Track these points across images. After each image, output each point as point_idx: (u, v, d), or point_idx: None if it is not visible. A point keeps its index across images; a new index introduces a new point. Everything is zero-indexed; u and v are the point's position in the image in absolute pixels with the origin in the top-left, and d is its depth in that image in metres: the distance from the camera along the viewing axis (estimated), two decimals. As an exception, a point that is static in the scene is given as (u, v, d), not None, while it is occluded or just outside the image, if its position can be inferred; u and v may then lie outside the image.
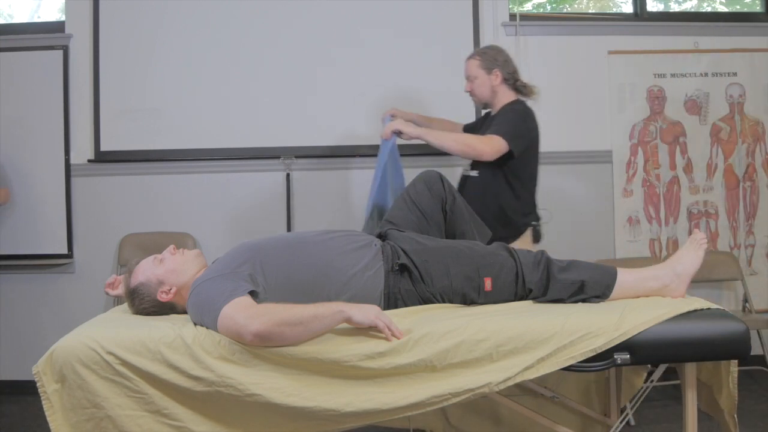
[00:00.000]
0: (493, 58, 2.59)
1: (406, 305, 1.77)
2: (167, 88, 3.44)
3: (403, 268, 1.77)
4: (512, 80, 2.60)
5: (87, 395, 1.54)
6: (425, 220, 2.06)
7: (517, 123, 2.48)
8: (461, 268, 1.78)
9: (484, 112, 2.85)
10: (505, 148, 2.40)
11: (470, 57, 2.65)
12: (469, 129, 2.81)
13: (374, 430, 1.88)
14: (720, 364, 1.72)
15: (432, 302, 1.78)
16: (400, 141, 2.50)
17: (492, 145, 2.39)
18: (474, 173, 2.58)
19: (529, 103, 2.64)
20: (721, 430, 1.81)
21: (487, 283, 1.78)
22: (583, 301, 1.77)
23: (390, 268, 1.77)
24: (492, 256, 1.82)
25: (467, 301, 1.79)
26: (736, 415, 1.74)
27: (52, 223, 3.42)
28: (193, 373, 1.53)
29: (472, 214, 2.19)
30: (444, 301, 1.79)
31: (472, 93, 2.66)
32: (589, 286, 1.76)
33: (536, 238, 2.59)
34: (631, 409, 1.94)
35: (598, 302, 1.76)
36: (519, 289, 1.79)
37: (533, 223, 2.58)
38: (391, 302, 1.76)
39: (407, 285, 1.77)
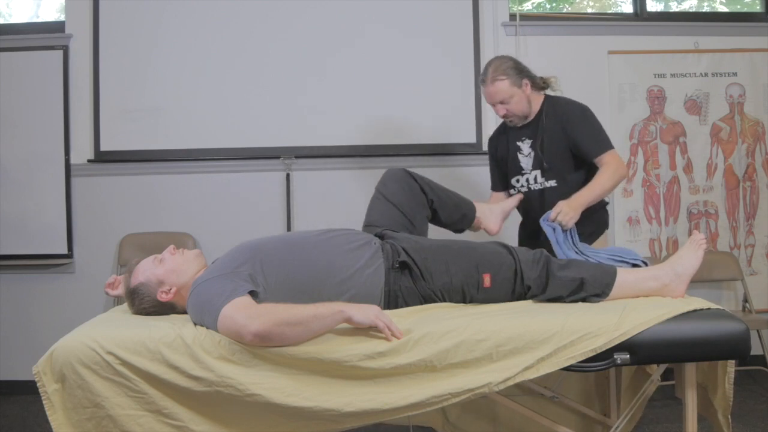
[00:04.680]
0: (517, 71, 2.43)
1: (406, 303, 1.78)
2: (167, 88, 3.44)
3: (403, 266, 1.78)
4: (535, 82, 2.48)
5: (87, 395, 1.54)
6: (408, 221, 2.09)
7: (597, 125, 2.42)
8: (460, 265, 1.79)
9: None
10: (618, 154, 2.41)
11: (494, 81, 2.41)
12: (500, 159, 2.62)
13: (374, 428, 1.88)
14: (716, 364, 1.72)
15: (432, 299, 1.78)
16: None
17: (620, 164, 2.38)
18: (552, 183, 2.46)
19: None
20: (711, 429, 1.81)
21: (486, 280, 1.78)
22: (583, 299, 1.77)
23: (391, 265, 1.78)
24: (490, 254, 1.83)
25: (466, 297, 1.80)
26: (729, 416, 1.74)
27: (52, 223, 3.42)
28: (193, 373, 1.53)
29: (447, 193, 2.23)
30: (444, 298, 1.79)
31: (509, 115, 2.45)
32: (589, 283, 1.77)
33: (607, 224, 2.58)
34: (633, 408, 1.94)
35: (598, 301, 1.77)
36: (518, 286, 1.79)
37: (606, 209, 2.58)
38: (391, 300, 1.77)
39: (408, 282, 1.78)
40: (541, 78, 2.50)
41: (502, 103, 2.43)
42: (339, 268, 1.74)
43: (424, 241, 1.90)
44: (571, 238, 2.11)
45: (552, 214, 2.16)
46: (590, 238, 2.35)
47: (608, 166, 2.34)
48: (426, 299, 1.78)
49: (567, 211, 2.16)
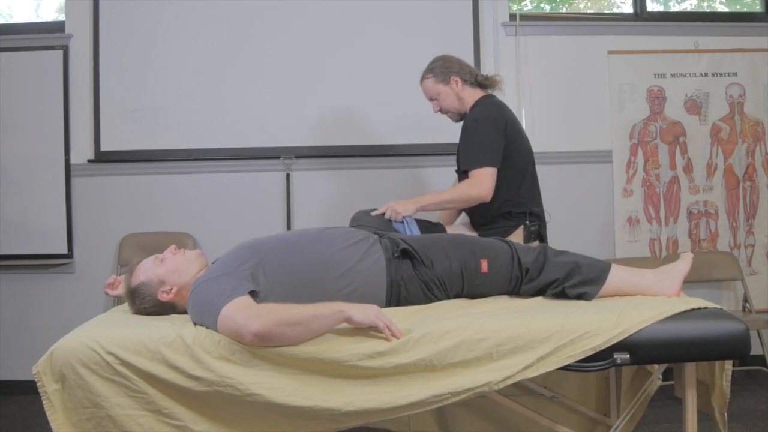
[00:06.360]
0: (444, 68, 2.47)
1: (408, 291, 1.79)
2: (167, 88, 3.44)
3: (404, 254, 1.80)
4: (472, 78, 2.49)
5: (87, 395, 1.54)
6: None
7: (479, 139, 2.35)
8: (458, 251, 1.83)
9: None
10: (491, 174, 2.30)
11: (422, 80, 2.51)
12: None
13: None
14: (715, 362, 1.73)
15: (433, 286, 1.80)
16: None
17: (481, 185, 2.30)
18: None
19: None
20: (711, 428, 1.82)
21: (484, 265, 1.81)
22: (582, 291, 1.78)
23: (391, 255, 1.80)
24: (487, 242, 1.90)
25: (465, 284, 1.82)
26: (726, 414, 1.75)
27: (52, 223, 3.42)
28: (193, 373, 1.53)
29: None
30: (444, 285, 1.81)
31: (442, 111, 2.53)
32: (584, 267, 1.79)
33: (528, 238, 2.40)
34: (633, 407, 1.94)
35: (596, 291, 1.78)
36: (515, 270, 1.82)
37: (526, 223, 2.41)
38: (393, 290, 1.78)
39: (409, 270, 1.80)
40: (485, 76, 2.51)
41: (432, 99, 2.50)
42: (339, 262, 1.76)
43: (421, 236, 1.99)
44: (409, 230, 2.27)
45: (386, 214, 2.29)
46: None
47: (461, 183, 2.35)
48: (427, 286, 1.80)
49: (394, 207, 2.28)
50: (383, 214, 2.30)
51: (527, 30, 3.56)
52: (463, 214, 2.62)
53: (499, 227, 2.40)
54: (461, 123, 2.50)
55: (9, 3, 3.74)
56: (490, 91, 2.54)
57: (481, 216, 2.45)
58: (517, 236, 2.38)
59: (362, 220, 2.28)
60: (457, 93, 2.47)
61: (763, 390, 3.23)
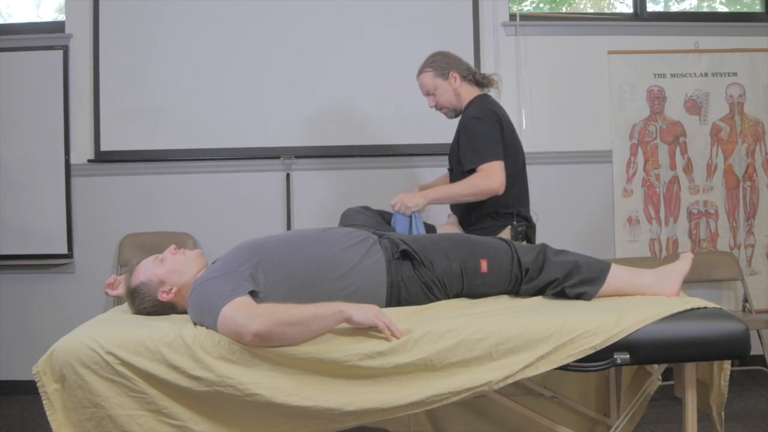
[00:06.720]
0: (444, 63, 2.47)
1: (408, 292, 1.79)
2: (167, 88, 3.44)
3: (404, 255, 1.80)
4: (470, 76, 2.49)
5: (87, 395, 1.54)
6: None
7: (480, 134, 2.34)
8: (458, 251, 1.82)
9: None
10: (501, 167, 2.31)
11: (420, 73, 2.50)
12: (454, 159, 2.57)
13: None
14: (714, 362, 1.73)
15: (433, 286, 1.80)
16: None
17: (493, 178, 2.29)
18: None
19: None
20: (711, 427, 1.82)
21: (483, 265, 1.81)
22: (581, 290, 1.78)
23: (391, 256, 1.80)
24: (486, 242, 1.89)
25: (465, 284, 1.82)
26: (723, 414, 1.75)
27: (52, 223, 3.42)
28: (193, 373, 1.53)
29: None
30: (444, 285, 1.81)
31: (438, 106, 2.51)
32: (584, 267, 1.79)
33: (515, 239, 2.37)
34: (633, 407, 1.94)
35: (596, 290, 1.78)
36: (515, 270, 1.82)
37: (513, 223, 2.39)
38: (394, 291, 1.79)
39: (409, 271, 1.80)
40: (483, 75, 2.52)
41: (429, 94, 2.49)
42: (339, 263, 1.76)
43: (420, 236, 1.99)
44: (416, 225, 2.26)
45: (396, 206, 2.28)
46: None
47: (473, 176, 2.32)
48: (427, 286, 1.80)
49: (404, 200, 2.27)
50: (377, 212, 2.31)
51: (527, 30, 3.56)
52: (450, 212, 2.62)
53: (487, 227, 2.40)
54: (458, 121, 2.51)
55: (9, 3, 3.74)
56: (486, 90, 2.55)
57: (469, 215, 2.45)
58: (504, 236, 2.35)
59: (353, 218, 2.27)
60: (455, 89, 2.47)
61: (763, 390, 3.23)
